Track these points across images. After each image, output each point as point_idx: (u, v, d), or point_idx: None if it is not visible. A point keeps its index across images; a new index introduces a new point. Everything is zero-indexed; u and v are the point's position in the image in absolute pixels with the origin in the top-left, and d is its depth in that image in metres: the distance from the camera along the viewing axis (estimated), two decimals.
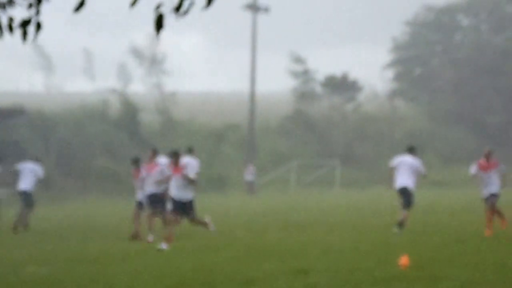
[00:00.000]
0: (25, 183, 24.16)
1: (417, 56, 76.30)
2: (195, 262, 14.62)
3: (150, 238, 18.97)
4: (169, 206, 18.65)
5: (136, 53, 67.10)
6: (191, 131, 58.06)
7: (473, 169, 19.14)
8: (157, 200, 19.38)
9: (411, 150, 20.37)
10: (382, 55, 79.26)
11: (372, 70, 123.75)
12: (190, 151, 23.42)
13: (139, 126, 55.29)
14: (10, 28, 6.86)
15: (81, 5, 6.72)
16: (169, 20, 6.65)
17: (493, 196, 18.91)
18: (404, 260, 13.57)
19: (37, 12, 6.85)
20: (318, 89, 69.07)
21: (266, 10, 58.18)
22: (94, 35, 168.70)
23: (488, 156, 18.94)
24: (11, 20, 6.86)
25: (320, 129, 63.66)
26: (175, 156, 18.10)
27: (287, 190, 51.85)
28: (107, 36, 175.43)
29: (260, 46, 59.92)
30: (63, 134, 49.60)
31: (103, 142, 50.98)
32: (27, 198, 24.01)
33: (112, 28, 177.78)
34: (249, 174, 49.98)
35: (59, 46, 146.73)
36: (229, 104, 72.22)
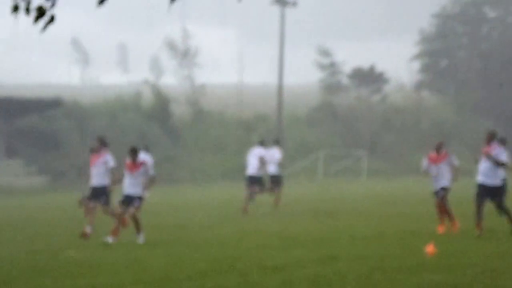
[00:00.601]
0: None
1: (443, 48, 76.06)
2: (226, 249, 14.90)
3: (88, 229, 17.74)
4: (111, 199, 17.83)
5: (170, 45, 67.69)
6: (221, 122, 58.49)
7: (424, 163, 17.99)
8: (101, 193, 18.11)
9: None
10: (409, 47, 79.06)
11: (398, 62, 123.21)
12: (146, 148, 24.18)
13: (170, 117, 55.90)
14: (27, 11, 6.93)
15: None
16: (200, 13, 6.88)
17: (443, 190, 17.84)
18: (430, 248, 13.79)
19: (53, 4, 6.94)
20: (345, 81, 69.44)
21: (294, 4, 58.51)
22: (128, 29, 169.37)
23: (438, 149, 17.99)
24: (28, 3, 6.94)
25: (346, 120, 63.78)
26: (133, 152, 17.23)
27: (315, 180, 52.18)
28: (141, 30, 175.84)
29: (288, 39, 60.31)
30: (98, 125, 50.32)
31: (136, 133, 51.65)
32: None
33: (145, 22, 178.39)
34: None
35: (95, 40, 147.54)
36: (258, 96, 72.36)
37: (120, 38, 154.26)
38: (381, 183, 46.78)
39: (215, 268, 12.41)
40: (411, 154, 55.61)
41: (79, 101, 51.59)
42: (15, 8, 6.94)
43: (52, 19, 6.94)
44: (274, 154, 25.22)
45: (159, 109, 55.19)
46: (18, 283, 11.63)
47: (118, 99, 54.54)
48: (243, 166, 52.01)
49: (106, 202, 17.86)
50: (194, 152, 52.84)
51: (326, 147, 57.34)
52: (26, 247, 16.32)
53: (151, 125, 53.02)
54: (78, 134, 48.29)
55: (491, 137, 16.83)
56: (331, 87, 67.95)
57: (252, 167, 24.47)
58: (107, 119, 51.29)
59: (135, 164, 17.16)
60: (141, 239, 16.69)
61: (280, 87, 58.36)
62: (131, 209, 16.86)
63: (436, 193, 17.85)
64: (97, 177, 18.09)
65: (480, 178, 16.45)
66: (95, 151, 18.35)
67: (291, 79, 71.88)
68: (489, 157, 16.25)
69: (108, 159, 17.99)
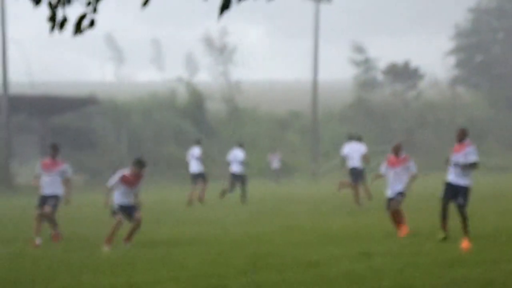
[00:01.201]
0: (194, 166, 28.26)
1: (479, 43, 75.50)
2: (262, 246, 14.97)
3: (38, 241, 16.55)
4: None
5: (207, 42, 68.02)
6: (255, 119, 58.62)
7: (382, 167, 16.94)
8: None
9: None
10: (444, 42, 78.78)
11: (433, 57, 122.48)
12: (240, 145, 26.82)
13: (205, 114, 56.15)
14: (62, 26, 7.02)
15: (147, 0, 6.99)
16: (234, 11, 7.08)
17: (399, 194, 16.75)
18: (465, 243, 13.85)
19: (94, 10, 7.02)
20: (380, 77, 69.28)
21: (329, 0, 58.36)
22: (163, 26, 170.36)
23: (397, 151, 17.05)
24: (64, 19, 7.04)
25: (381, 116, 63.63)
26: (53, 149, 17.13)
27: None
28: (175, 27, 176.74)
29: (323, 35, 60.31)
30: (133, 122, 50.59)
31: (172, 130, 51.89)
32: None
33: (179, 19, 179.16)
34: (275, 162, 48.38)
35: (130, 37, 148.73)
36: (293, 92, 72.49)
37: (154, 34, 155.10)
38: (416, 179, 46.60)
39: (251, 265, 12.48)
40: (446, 150, 55.29)
41: (114, 99, 51.89)
42: (52, 18, 7.05)
43: (92, 23, 7.06)
44: (236, 154, 28.84)
45: (194, 106, 55.45)
46: (56, 281, 11.75)
47: (153, 97, 54.84)
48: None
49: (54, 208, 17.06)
50: (228, 149, 52.91)
51: None
52: (63, 245, 16.46)
53: (186, 123, 53.26)
54: (114, 132, 48.59)
55: (462, 135, 15.66)
56: (365, 83, 67.89)
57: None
58: (142, 117, 51.59)
59: (54, 162, 17.01)
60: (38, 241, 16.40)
61: (314, 83, 58.33)
62: (47, 208, 16.66)
63: (391, 198, 16.63)
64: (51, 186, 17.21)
65: (450, 177, 15.39)
66: (49, 158, 17.49)
67: (325, 75, 71.95)
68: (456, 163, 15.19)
69: (66, 169, 17.35)
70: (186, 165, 29.19)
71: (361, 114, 63.37)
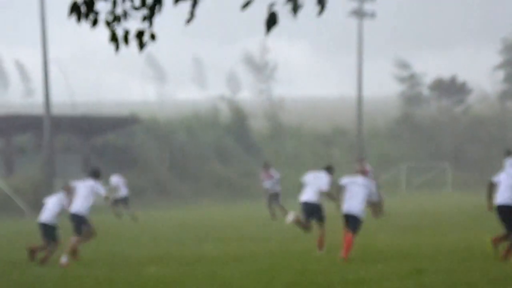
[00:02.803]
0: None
1: None
2: (308, 263, 14.78)
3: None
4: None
5: (248, 60, 68.05)
6: (299, 136, 58.37)
7: (343, 181, 15.84)
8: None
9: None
10: (491, 56, 77.71)
11: (481, 71, 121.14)
12: (329, 169, 21.13)
13: (248, 132, 56.00)
14: (126, 40, 7.24)
15: (191, 17, 7.06)
16: (278, 27, 6.91)
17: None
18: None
19: (150, 24, 7.21)
20: (426, 92, 68.67)
21: (372, 15, 57.88)
22: (204, 44, 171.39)
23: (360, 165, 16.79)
24: (126, 32, 7.24)
25: (428, 132, 62.98)
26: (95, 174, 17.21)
27: (397, 193, 51.48)
28: (216, 45, 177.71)
29: (366, 50, 59.78)
30: (176, 140, 50.68)
31: (215, 148, 51.86)
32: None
33: (220, 37, 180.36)
34: (268, 181, 32.01)
35: (171, 55, 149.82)
36: (337, 109, 72.12)
37: (195, 53, 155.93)
38: (466, 196, 45.83)
39: (298, 282, 12.40)
40: (497, 165, 54.29)
41: (156, 118, 52.14)
42: (113, 37, 7.23)
43: (153, 37, 7.25)
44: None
45: (237, 124, 55.36)
46: None
47: (195, 115, 54.99)
48: None
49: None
50: (272, 166, 52.62)
51: (408, 160, 56.57)
52: (109, 263, 16.42)
53: (229, 141, 53.19)
54: (156, 150, 48.68)
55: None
56: (411, 99, 67.35)
57: None
58: (185, 135, 51.68)
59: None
60: None
61: (359, 100, 57.78)
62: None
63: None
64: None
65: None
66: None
67: (369, 91, 71.45)
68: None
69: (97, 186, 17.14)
70: (229, 182, 28.69)
71: (407, 130, 62.76)
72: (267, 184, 29.73)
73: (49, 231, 16.86)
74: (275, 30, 6.95)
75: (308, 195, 17.30)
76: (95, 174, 17.17)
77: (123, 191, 32.26)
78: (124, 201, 32.00)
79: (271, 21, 6.82)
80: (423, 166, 56.43)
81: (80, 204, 16.84)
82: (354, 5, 57.58)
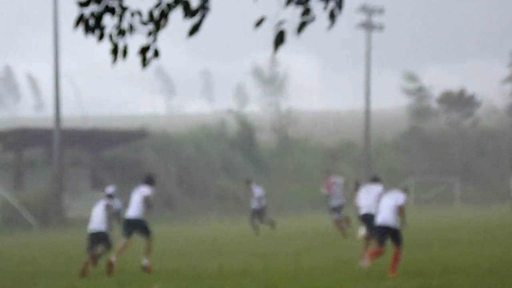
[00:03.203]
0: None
1: None
2: (318, 280, 14.68)
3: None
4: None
5: (256, 73, 68.01)
6: (307, 149, 58.25)
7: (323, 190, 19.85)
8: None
9: None
10: (500, 69, 77.53)
11: (489, 85, 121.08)
12: (376, 179, 20.63)
13: (255, 145, 55.93)
14: (124, 54, 7.25)
15: (194, 29, 7.07)
16: (286, 40, 6.93)
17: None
18: None
19: (155, 39, 7.23)
20: (434, 105, 68.44)
21: (381, 28, 57.81)
22: (212, 57, 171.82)
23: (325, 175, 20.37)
24: (125, 47, 7.25)
25: (437, 146, 62.74)
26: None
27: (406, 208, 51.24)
28: (224, 58, 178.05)
29: (375, 63, 59.75)
30: (184, 154, 50.66)
31: (222, 162, 51.81)
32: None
33: (228, 50, 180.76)
34: (254, 199, 29.91)
35: (179, 69, 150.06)
36: (345, 122, 72.06)
37: (204, 66, 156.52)
38: (475, 211, 45.62)
39: None
40: (507, 179, 54.14)
41: (165, 131, 52.18)
42: (114, 51, 7.22)
43: (156, 53, 7.25)
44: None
45: (244, 138, 55.33)
46: None
47: (203, 128, 55.01)
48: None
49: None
50: (279, 180, 52.63)
51: (416, 174, 56.34)
52: (116, 278, 16.34)
53: (236, 154, 53.16)
54: (164, 164, 48.66)
55: None
56: (419, 112, 67.10)
57: None
58: (193, 149, 51.66)
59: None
60: None
61: (367, 113, 57.67)
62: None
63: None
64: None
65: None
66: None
67: (377, 104, 71.37)
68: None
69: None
70: (236, 196, 28.51)
71: (415, 144, 62.56)
72: (252, 201, 28.95)
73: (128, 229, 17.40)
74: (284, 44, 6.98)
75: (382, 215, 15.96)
76: (149, 181, 17.82)
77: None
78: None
79: (279, 39, 6.84)
80: (431, 180, 56.18)
81: (135, 209, 17.54)
82: (362, 17, 57.59)
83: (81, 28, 7.20)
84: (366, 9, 57.35)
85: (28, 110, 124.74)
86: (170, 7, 7.15)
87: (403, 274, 15.10)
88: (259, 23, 6.88)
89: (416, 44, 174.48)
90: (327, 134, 64.20)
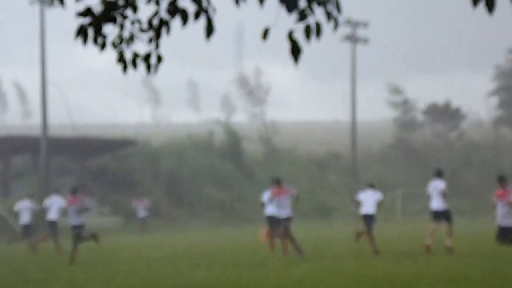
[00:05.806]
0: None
1: None
2: None
3: None
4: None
5: (242, 83, 68.06)
6: (293, 159, 58.29)
7: (265, 197, 21.15)
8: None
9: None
10: (485, 82, 78.05)
11: (474, 97, 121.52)
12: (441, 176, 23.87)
13: (242, 155, 55.91)
14: (134, 64, 7.23)
15: (210, 31, 7.02)
16: (269, 50, 6.80)
17: (286, 219, 22.09)
18: None
19: (157, 46, 7.20)
20: (420, 117, 68.75)
21: (365, 41, 58.04)
22: (198, 67, 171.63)
23: (277, 184, 21.71)
24: (135, 55, 7.23)
25: (423, 157, 62.92)
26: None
27: (393, 219, 51.29)
28: (210, 68, 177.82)
29: (360, 75, 59.92)
30: (171, 164, 50.59)
31: (209, 171, 51.77)
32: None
33: (214, 60, 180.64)
34: (142, 209, 41.58)
35: (166, 78, 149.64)
36: (331, 133, 72.13)
37: (190, 75, 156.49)
38: (462, 222, 45.72)
39: None
40: (492, 192, 54.33)
41: (151, 141, 52.09)
42: (121, 58, 7.24)
43: (159, 59, 7.26)
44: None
45: (231, 147, 55.33)
46: None
47: (189, 138, 54.95)
48: (316, 205, 51.50)
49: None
50: (266, 190, 52.52)
51: (403, 185, 56.42)
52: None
53: (223, 164, 53.12)
54: (151, 173, 48.56)
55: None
56: (405, 124, 67.41)
57: None
58: (179, 158, 51.58)
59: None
60: None
61: (353, 124, 57.81)
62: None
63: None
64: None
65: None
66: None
67: (363, 116, 71.53)
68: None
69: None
70: (223, 206, 28.46)
71: (401, 155, 62.74)
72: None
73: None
74: (268, 54, 6.87)
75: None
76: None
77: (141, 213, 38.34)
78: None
79: (296, 50, 6.62)
80: (418, 191, 56.28)
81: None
82: (347, 30, 57.82)
83: (80, 38, 7.13)
84: (351, 23, 57.58)
85: (16, 118, 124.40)
86: (170, 13, 7.10)
87: (390, 285, 15.02)
88: (265, 33, 6.70)
89: (401, 56, 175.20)
90: (314, 144, 64.28)
